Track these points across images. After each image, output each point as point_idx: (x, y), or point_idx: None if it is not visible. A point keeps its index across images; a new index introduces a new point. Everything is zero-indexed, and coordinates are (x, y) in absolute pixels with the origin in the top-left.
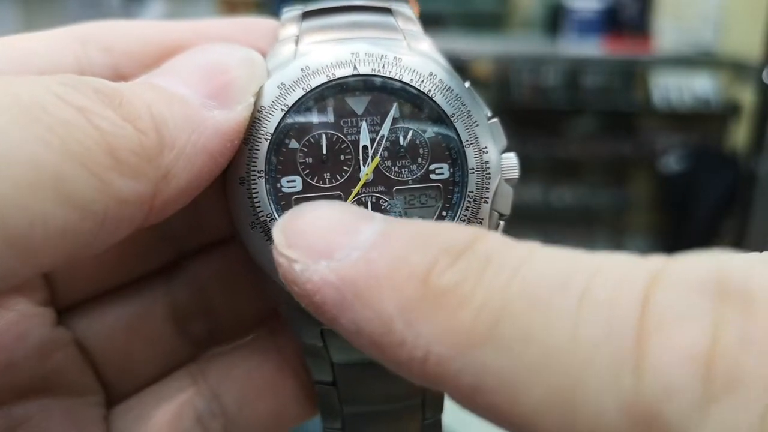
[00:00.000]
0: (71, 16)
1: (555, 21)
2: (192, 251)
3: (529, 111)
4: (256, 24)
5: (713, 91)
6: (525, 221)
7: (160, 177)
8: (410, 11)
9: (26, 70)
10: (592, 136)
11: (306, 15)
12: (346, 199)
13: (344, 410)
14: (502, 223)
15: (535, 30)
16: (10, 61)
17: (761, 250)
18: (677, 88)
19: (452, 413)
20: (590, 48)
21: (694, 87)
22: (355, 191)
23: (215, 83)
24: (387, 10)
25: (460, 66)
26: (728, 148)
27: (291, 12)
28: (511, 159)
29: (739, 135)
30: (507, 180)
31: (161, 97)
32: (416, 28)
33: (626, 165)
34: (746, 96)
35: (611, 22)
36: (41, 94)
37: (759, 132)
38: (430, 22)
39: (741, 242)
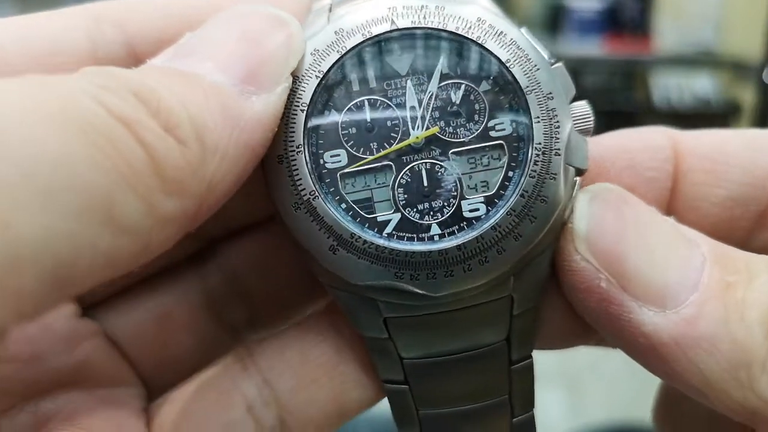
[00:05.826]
0: None
1: (555, 21)
2: (221, 237)
3: None
4: None
5: (713, 91)
6: None
7: (204, 189)
8: None
9: (38, 48)
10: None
11: None
12: (397, 170)
13: (420, 413)
14: (578, 179)
15: (535, 29)
16: (22, 38)
17: None
18: (677, 87)
19: None
20: (590, 48)
21: (695, 87)
22: (394, 148)
23: (250, 61)
24: None
25: None
26: None
27: None
28: (584, 107)
29: None
30: (580, 131)
31: (195, 91)
32: None
33: None
34: (746, 95)
35: (611, 22)
36: (82, 100)
37: None
38: None
39: None
